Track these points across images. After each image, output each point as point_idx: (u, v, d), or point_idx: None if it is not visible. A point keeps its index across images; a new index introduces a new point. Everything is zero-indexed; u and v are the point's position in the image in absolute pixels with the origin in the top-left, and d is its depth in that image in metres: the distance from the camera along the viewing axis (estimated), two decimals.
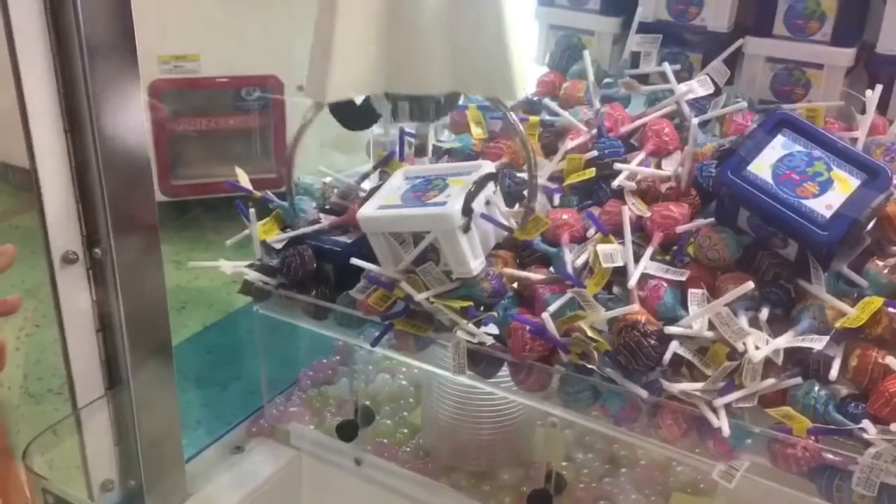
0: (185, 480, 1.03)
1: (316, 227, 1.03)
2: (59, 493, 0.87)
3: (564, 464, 1.08)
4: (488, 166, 0.92)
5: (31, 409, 1.71)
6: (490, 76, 0.75)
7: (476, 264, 0.88)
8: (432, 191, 0.89)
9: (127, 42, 0.81)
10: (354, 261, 0.92)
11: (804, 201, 0.80)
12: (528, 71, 0.76)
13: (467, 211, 0.84)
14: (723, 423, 0.77)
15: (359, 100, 0.90)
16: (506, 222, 0.93)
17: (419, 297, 0.88)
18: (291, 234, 1.02)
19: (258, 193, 1.04)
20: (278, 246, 1.02)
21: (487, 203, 0.90)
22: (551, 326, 0.83)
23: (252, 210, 1.01)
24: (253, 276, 1.01)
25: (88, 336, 0.90)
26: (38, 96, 0.79)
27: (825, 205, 0.79)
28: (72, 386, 0.91)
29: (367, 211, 0.90)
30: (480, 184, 0.87)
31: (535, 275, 0.90)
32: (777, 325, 0.82)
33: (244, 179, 1.05)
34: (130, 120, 0.83)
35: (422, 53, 0.76)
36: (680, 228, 0.89)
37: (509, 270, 0.92)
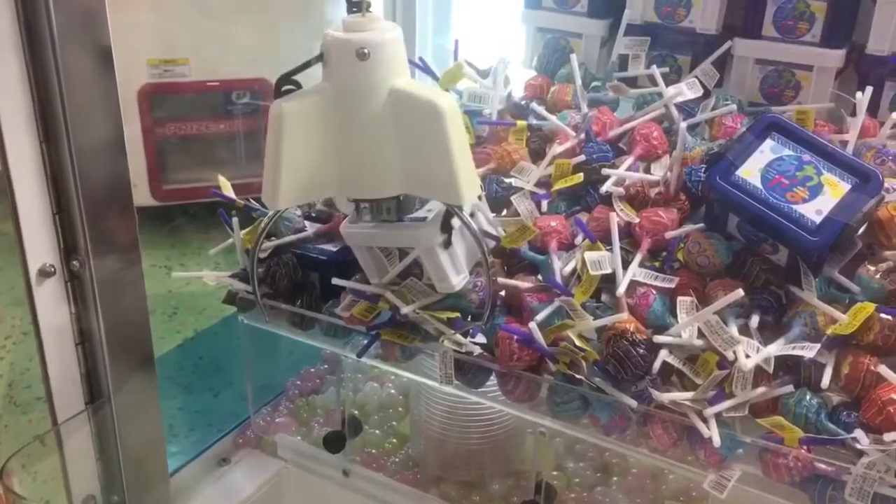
0: (169, 494, 1.02)
1: (301, 235, 1.02)
2: None
3: (555, 472, 1.06)
4: None
5: (18, 419, 1.69)
6: (436, 183, 0.78)
7: (458, 280, 0.86)
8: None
9: (103, 50, 0.79)
10: (336, 281, 0.91)
11: (794, 206, 0.79)
12: (474, 176, 0.79)
13: (446, 228, 0.83)
14: (713, 432, 0.75)
15: None
16: (494, 231, 0.92)
17: (406, 309, 0.86)
18: (276, 242, 1.01)
19: (241, 202, 1.03)
20: (263, 255, 1.00)
21: (472, 214, 0.89)
22: (539, 336, 0.82)
23: (235, 219, 1.00)
24: (237, 286, 0.99)
25: (67, 350, 0.88)
26: (12, 106, 0.77)
27: (815, 209, 0.78)
28: (51, 400, 0.89)
29: (349, 224, 0.89)
30: None
31: (522, 283, 0.89)
32: (768, 332, 0.81)
33: (227, 188, 1.03)
34: (107, 129, 0.82)
35: (370, 163, 0.79)
36: (669, 234, 0.88)
37: (498, 280, 0.90)
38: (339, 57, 0.75)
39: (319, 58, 0.76)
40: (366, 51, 0.73)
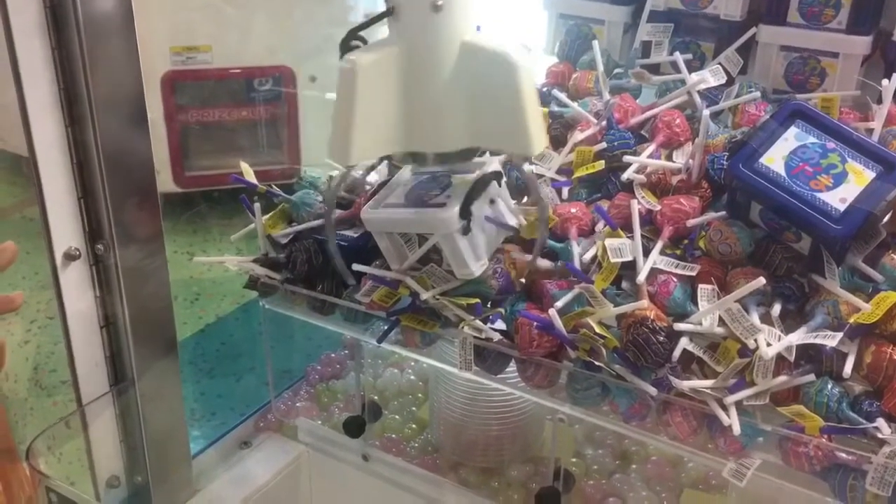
0: (191, 476, 1.03)
1: (322, 220, 1.02)
2: (62, 492, 0.87)
3: (574, 460, 1.07)
4: (493, 164, 0.90)
5: (43, 402, 1.72)
6: (506, 134, 0.78)
7: (477, 266, 0.86)
8: (435, 189, 0.88)
9: (128, 35, 0.80)
10: (357, 267, 0.91)
11: (818, 194, 0.78)
12: (543, 129, 0.80)
13: (465, 214, 0.83)
14: (733, 420, 0.75)
15: None
16: (513, 221, 0.91)
17: (426, 294, 0.87)
18: (297, 228, 1.01)
19: (263, 187, 1.03)
20: (284, 240, 1.01)
21: (492, 202, 0.89)
22: (558, 322, 0.82)
23: (257, 204, 1.00)
24: (259, 271, 1.00)
25: (92, 332, 0.89)
26: (38, 90, 0.78)
27: (839, 198, 0.77)
28: (76, 382, 0.90)
29: (369, 210, 0.89)
30: (482, 184, 0.85)
31: (543, 262, 0.89)
32: (790, 321, 0.80)
33: (249, 174, 1.04)
34: (132, 114, 0.83)
35: (440, 116, 0.79)
36: (690, 222, 0.87)
37: (517, 255, 0.90)
38: (411, 10, 0.75)
39: (389, 12, 0.76)
40: (439, 3, 0.74)
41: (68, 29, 0.77)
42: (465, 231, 0.84)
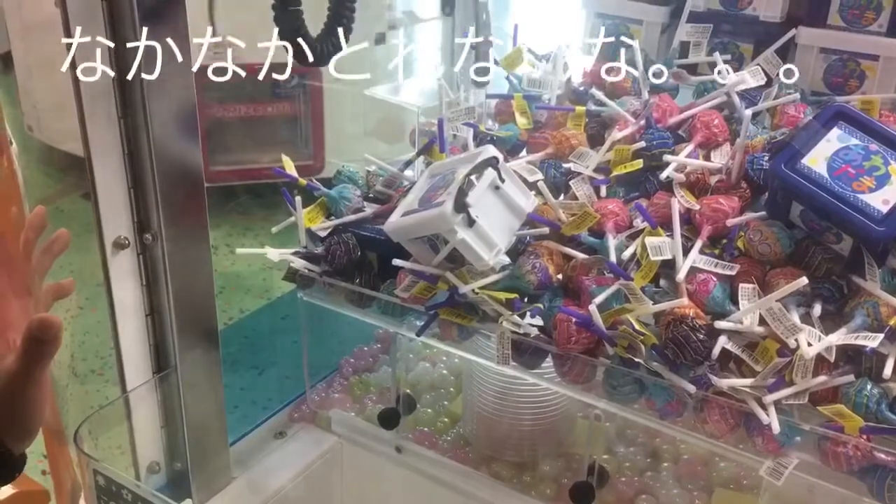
0: (229, 464, 1.05)
1: (360, 215, 1.03)
2: (108, 474, 0.88)
3: (606, 457, 1.07)
4: (488, 151, 0.90)
5: (77, 389, 1.74)
6: None
7: (491, 255, 0.86)
8: (442, 188, 0.89)
9: (180, 24, 0.81)
10: (397, 262, 0.91)
11: (860, 196, 0.78)
12: None
13: (460, 207, 0.83)
14: (773, 419, 0.76)
15: None
16: (524, 202, 0.91)
17: (465, 288, 0.87)
18: (336, 221, 1.03)
19: (303, 181, 1.05)
20: (323, 234, 1.02)
21: (497, 188, 0.88)
22: (598, 318, 0.83)
23: (298, 198, 1.01)
24: (298, 263, 1.01)
25: (138, 320, 0.91)
26: (93, 80, 0.79)
27: (882, 199, 0.78)
28: (121, 369, 0.92)
29: (391, 220, 0.91)
30: (476, 173, 0.85)
31: (579, 254, 0.90)
32: (829, 322, 0.81)
33: (290, 167, 1.05)
34: (183, 105, 0.84)
35: None
36: (730, 222, 0.88)
37: (554, 245, 0.91)
38: None
39: None
40: None
41: (123, 18, 0.78)
42: (469, 224, 0.84)
